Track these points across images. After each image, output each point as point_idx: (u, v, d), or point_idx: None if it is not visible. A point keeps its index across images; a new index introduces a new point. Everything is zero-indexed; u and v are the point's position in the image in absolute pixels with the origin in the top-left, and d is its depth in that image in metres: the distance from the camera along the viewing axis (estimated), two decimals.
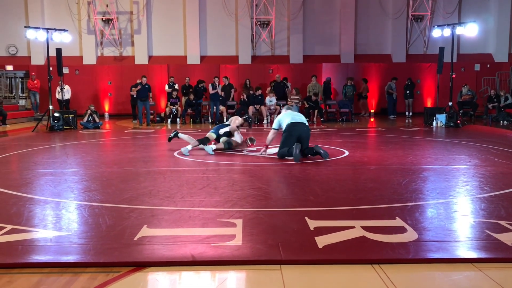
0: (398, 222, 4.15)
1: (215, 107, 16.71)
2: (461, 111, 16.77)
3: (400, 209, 4.59)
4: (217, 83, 16.71)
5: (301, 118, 8.29)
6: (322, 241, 3.62)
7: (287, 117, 8.26)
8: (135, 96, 16.80)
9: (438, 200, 5.05)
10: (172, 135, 9.40)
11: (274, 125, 8.42)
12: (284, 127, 8.16)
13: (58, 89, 17.00)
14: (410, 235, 3.78)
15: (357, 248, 3.51)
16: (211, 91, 16.53)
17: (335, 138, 11.68)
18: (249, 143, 9.27)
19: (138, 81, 16.91)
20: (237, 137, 9.19)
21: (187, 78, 18.48)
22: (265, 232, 3.90)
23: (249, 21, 21.03)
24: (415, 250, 3.48)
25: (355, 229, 3.90)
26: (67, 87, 18.33)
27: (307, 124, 8.29)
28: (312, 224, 4.07)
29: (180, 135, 9.33)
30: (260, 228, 4.00)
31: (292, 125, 8.06)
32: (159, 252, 3.45)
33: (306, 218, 4.23)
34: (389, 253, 3.40)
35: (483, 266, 3.22)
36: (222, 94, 17.23)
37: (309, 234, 3.80)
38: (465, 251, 3.52)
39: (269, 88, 18.46)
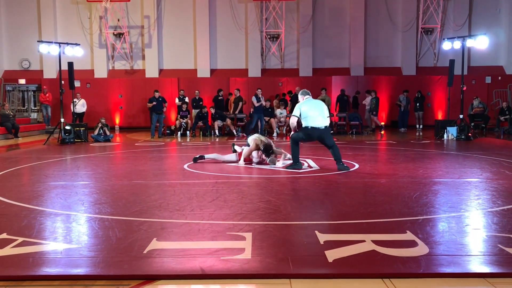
0: (409, 236, 4.11)
1: (259, 120, 16.60)
2: (472, 124, 16.68)
3: (411, 223, 4.55)
4: (260, 95, 16.67)
5: (321, 113, 8.11)
6: (332, 255, 3.60)
7: (309, 109, 8.13)
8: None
9: (450, 213, 5.00)
10: (197, 156, 9.26)
11: (295, 113, 8.28)
12: (303, 118, 8.13)
13: (75, 101, 17.21)
14: (421, 249, 3.74)
15: (367, 262, 3.48)
16: (255, 103, 16.54)
17: (345, 151, 11.63)
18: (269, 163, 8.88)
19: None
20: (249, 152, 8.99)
21: (197, 91, 18.59)
22: (275, 245, 3.88)
23: (258, 35, 21.18)
24: (426, 264, 3.44)
25: (366, 243, 3.87)
26: (82, 101, 18.56)
27: (327, 123, 8.18)
28: (322, 237, 4.04)
29: (206, 156, 9.27)
30: (269, 241, 3.99)
31: (313, 130, 8.09)
32: (169, 265, 3.44)
33: (316, 232, 4.20)
34: (400, 267, 3.36)
35: (496, 281, 3.18)
36: (267, 105, 17.29)
37: (319, 248, 3.78)
38: (477, 265, 3.47)
39: (276, 100, 18.52)
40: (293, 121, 8.38)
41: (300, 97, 8.54)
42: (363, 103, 19.02)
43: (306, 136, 8.25)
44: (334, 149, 8.24)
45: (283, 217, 4.86)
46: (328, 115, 8.29)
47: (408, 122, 19.19)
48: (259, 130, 16.29)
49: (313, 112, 8.12)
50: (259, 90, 16.85)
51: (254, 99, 16.58)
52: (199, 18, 21.14)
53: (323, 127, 8.12)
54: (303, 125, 8.22)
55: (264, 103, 16.75)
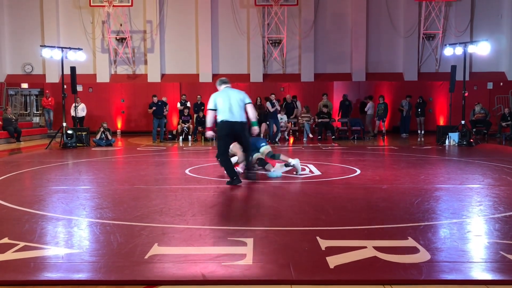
0: (410, 242, 4.11)
1: (274, 125, 16.28)
2: (474, 130, 16.66)
3: (413, 229, 4.54)
4: (274, 100, 16.37)
5: (237, 105, 7.23)
6: (333, 261, 3.59)
7: (224, 100, 7.20)
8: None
9: (451, 220, 4.99)
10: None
11: (210, 105, 7.25)
12: (218, 112, 7.21)
13: (75, 104, 17.26)
14: (422, 256, 3.73)
15: (369, 268, 3.47)
16: (270, 109, 16.32)
17: (347, 156, 11.64)
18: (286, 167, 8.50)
19: (162, 99, 17.33)
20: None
21: (198, 96, 18.62)
22: (276, 251, 3.87)
23: (260, 40, 21.23)
24: (427, 271, 3.43)
25: (367, 249, 3.87)
26: (82, 105, 18.58)
27: (243, 117, 7.29)
28: (324, 243, 4.04)
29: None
30: (271, 247, 3.98)
31: (227, 124, 7.19)
32: (170, 271, 3.44)
33: (318, 238, 4.20)
34: (401, 274, 3.36)
35: None
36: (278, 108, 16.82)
37: (320, 254, 3.77)
38: (479, 272, 3.46)
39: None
40: (209, 116, 7.32)
41: (218, 87, 7.58)
42: (365, 109, 19.02)
43: (223, 132, 7.21)
44: (247, 155, 7.51)
45: (285, 223, 4.86)
46: (246, 106, 7.34)
47: (410, 128, 19.18)
48: (273, 135, 16.22)
49: (227, 104, 7.18)
50: (273, 95, 16.56)
51: (268, 104, 16.35)
52: (201, 23, 21.20)
53: (239, 121, 7.22)
54: (218, 120, 7.26)
55: (279, 108, 16.45)
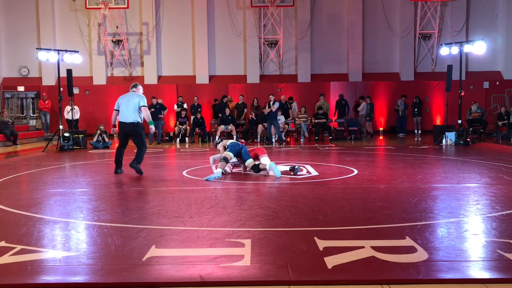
0: (408, 241, 4.11)
1: (272, 126, 16.18)
2: (470, 129, 16.72)
3: (410, 229, 4.55)
4: (271, 100, 16.16)
5: (131, 107, 8.22)
6: (331, 261, 3.59)
7: (122, 103, 8.36)
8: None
9: (449, 219, 5.00)
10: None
11: (116, 106, 8.55)
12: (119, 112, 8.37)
13: (68, 108, 17.20)
14: (420, 255, 3.74)
15: (366, 268, 3.48)
16: (267, 109, 16.23)
17: (344, 156, 11.65)
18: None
19: (158, 101, 17.41)
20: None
21: (195, 98, 18.63)
22: (274, 252, 3.87)
23: (257, 41, 21.24)
24: (425, 270, 3.44)
25: (365, 249, 3.87)
26: (76, 108, 18.53)
27: (135, 119, 8.29)
28: (321, 244, 4.04)
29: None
30: (268, 248, 3.98)
31: (121, 125, 8.35)
32: (168, 273, 3.43)
33: (315, 238, 4.20)
34: (399, 274, 3.36)
35: (495, 287, 3.17)
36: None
37: (318, 254, 3.77)
38: (476, 271, 3.47)
39: None
40: (113, 116, 8.58)
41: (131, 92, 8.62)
42: (358, 109, 18.98)
43: (120, 131, 8.39)
44: (140, 151, 8.45)
45: (282, 224, 4.86)
46: (139, 108, 8.25)
47: (407, 128, 19.23)
48: (271, 136, 16.20)
49: (124, 107, 8.29)
50: (271, 96, 16.46)
51: (267, 104, 16.31)
52: (198, 24, 21.21)
53: (129, 122, 8.25)
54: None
55: (273, 109, 16.25)
